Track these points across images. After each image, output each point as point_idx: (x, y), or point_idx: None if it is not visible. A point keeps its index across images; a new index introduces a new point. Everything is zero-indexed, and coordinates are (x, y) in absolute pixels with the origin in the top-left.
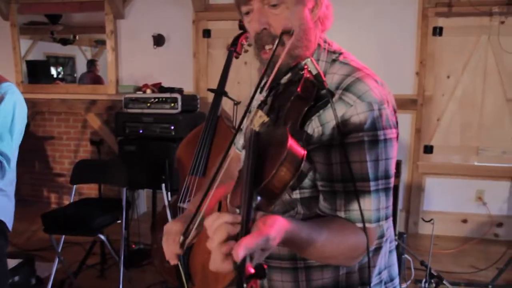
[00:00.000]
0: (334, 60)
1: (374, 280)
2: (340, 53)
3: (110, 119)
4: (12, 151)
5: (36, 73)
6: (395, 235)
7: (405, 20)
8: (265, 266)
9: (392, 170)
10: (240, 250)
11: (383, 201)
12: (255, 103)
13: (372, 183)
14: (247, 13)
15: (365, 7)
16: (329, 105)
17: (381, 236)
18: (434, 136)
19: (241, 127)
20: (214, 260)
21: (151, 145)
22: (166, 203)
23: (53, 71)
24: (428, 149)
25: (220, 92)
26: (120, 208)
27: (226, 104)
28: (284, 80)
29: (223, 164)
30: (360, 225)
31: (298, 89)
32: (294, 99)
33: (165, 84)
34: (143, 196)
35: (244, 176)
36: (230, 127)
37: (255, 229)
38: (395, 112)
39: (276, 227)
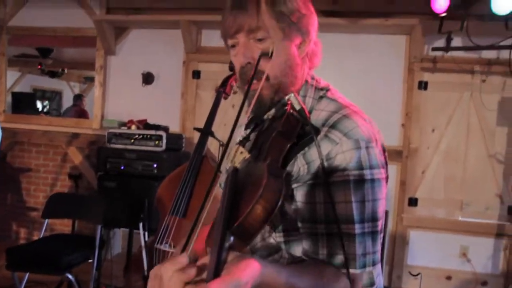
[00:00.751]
0: (321, 97)
1: None
2: (328, 90)
3: (91, 154)
4: None
5: (21, 105)
6: None
7: (392, 74)
8: None
9: (380, 212)
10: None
11: (369, 245)
12: (237, 139)
13: (357, 226)
14: (233, 46)
15: (353, 60)
16: (313, 143)
17: (371, 285)
18: (418, 188)
19: (222, 165)
20: None
21: (132, 182)
22: (143, 243)
23: (39, 104)
24: (413, 202)
25: (206, 131)
26: (93, 247)
27: (211, 145)
28: (268, 115)
29: (206, 204)
30: (344, 270)
31: (280, 126)
32: (276, 135)
33: (151, 122)
34: (118, 236)
35: (219, 215)
36: (215, 167)
37: (225, 272)
38: (384, 151)
39: (248, 271)
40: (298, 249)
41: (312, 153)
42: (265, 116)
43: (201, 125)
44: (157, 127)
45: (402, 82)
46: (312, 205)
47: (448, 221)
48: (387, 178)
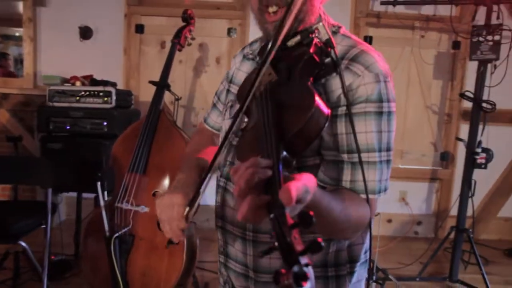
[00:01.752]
0: (334, 32)
1: (362, 258)
2: (339, 27)
3: (25, 116)
4: None
5: None
6: None
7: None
8: (311, 213)
9: (393, 143)
10: (293, 190)
11: (385, 172)
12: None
13: (377, 154)
14: None
15: None
16: (333, 73)
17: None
18: None
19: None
20: (249, 205)
21: (80, 142)
22: (102, 203)
23: None
24: None
25: (163, 85)
26: (41, 213)
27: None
28: (291, 42)
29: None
30: (364, 196)
31: (311, 50)
32: (308, 59)
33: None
34: (62, 203)
35: (264, 129)
36: (172, 121)
37: (289, 179)
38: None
39: (312, 181)
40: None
41: (332, 83)
42: (289, 43)
43: (145, 83)
44: (105, 83)
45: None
46: (334, 136)
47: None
48: None
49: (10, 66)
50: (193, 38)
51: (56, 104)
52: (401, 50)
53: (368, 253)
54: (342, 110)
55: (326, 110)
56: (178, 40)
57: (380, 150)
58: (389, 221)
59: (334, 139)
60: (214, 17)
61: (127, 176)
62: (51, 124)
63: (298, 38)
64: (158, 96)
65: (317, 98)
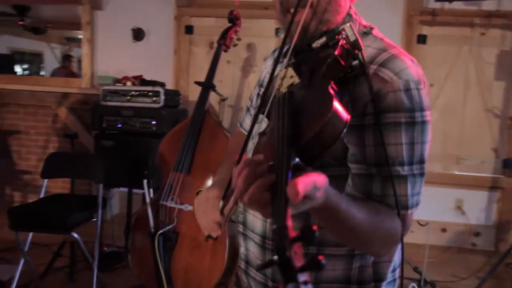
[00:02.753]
0: (366, 33)
1: (389, 277)
2: (372, 28)
3: (83, 114)
4: None
5: None
6: None
7: (389, 26)
8: (315, 227)
9: (427, 154)
10: (300, 185)
11: (417, 186)
12: (277, 70)
13: (407, 168)
14: None
15: None
16: (361, 78)
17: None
18: None
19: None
20: (251, 191)
21: (130, 140)
22: (148, 200)
23: (18, 68)
24: None
25: (208, 85)
26: (94, 206)
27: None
28: (317, 44)
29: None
30: (396, 211)
31: (336, 53)
32: (332, 62)
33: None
34: (116, 197)
35: (278, 134)
36: (217, 122)
37: (298, 175)
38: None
39: (322, 179)
40: (332, 185)
41: (359, 89)
42: (315, 45)
43: (194, 82)
44: (154, 83)
45: (400, 36)
46: (362, 147)
47: (444, 175)
48: None
49: (73, 67)
50: (239, 39)
51: (108, 103)
52: (458, 49)
53: (397, 272)
54: (369, 119)
55: (345, 115)
56: (224, 41)
57: (411, 163)
58: (444, 230)
59: (362, 151)
60: (262, 17)
61: (172, 175)
62: (104, 122)
63: (323, 39)
64: (203, 97)
65: (335, 103)
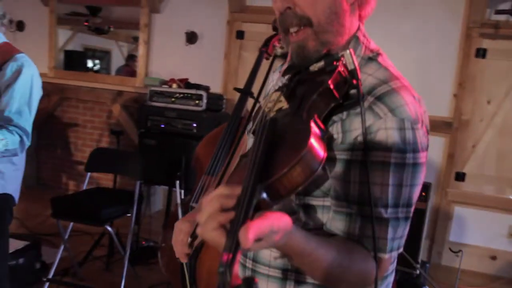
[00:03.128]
0: (371, 59)
1: None
2: (379, 53)
3: (135, 111)
4: (31, 125)
5: (72, 63)
6: (417, 263)
7: (446, 39)
8: (256, 281)
9: (415, 198)
10: (251, 231)
11: (400, 230)
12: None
13: (391, 210)
14: None
15: (404, 22)
16: (356, 109)
17: (390, 262)
18: (467, 163)
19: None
20: (205, 226)
21: (172, 140)
22: (178, 201)
23: (90, 63)
24: (460, 176)
25: (246, 92)
26: (132, 202)
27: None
28: (314, 67)
29: (234, 155)
30: (373, 253)
31: (330, 82)
32: (323, 91)
33: (194, 82)
34: (159, 193)
35: (250, 164)
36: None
37: (258, 215)
38: (427, 133)
39: (282, 222)
40: (317, 217)
41: (351, 122)
42: (312, 68)
43: (242, 86)
44: (197, 87)
45: (458, 49)
46: (346, 183)
47: (498, 199)
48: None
49: (136, 67)
50: (282, 47)
51: (154, 103)
52: None
53: None
54: (357, 155)
55: (321, 153)
56: (266, 49)
57: (396, 206)
58: (493, 258)
59: (345, 187)
60: None
61: (204, 178)
62: (149, 122)
63: (321, 63)
64: (240, 103)
65: (312, 140)
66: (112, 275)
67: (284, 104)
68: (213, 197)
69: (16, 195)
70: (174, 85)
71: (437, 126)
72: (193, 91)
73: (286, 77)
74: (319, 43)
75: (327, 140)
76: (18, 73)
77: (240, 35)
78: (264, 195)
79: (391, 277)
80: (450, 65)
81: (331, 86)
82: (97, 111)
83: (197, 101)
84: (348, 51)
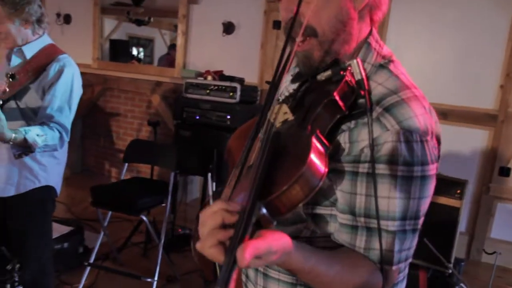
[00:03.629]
0: (382, 66)
1: None
2: (391, 60)
3: (173, 102)
4: (70, 122)
5: (117, 51)
6: (450, 262)
7: (493, 28)
8: None
9: (424, 210)
10: (248, 251)
11: (408, 242)
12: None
13: (398, 223)
14: None
15: (451, 7)
16: (364, 119)
17: (398, 273)
18: None
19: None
20: (204, 242)
21: (206, 132)
22: (210, 193)
23: (134, 51)
24: (505, 172)
25: (276, 84)
26: (164, 192)
27: None
28: (321, 77)
29: (248, 155)
30: (379, 265)
31: (335, 93)
32: (328, 103)
33: (229, 73)
34: (196, 182)
35: (252, 179)
36: None
37: (258, 235)
38: (439, 144)
39: (282, 242)
40: (325, 225)
41: (358, 132)
42: (319, 77)
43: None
44: (232, 79)
45: (506, 39)
46: (352, 195)
47: None
48: (437, 173)
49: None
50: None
51: (189, 95)
52: None
53: None
54: (364, 167)
55: (321, 170)
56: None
57: (404, 219)
58: None
59: (351, 200)
60: None
61: (234, 171)
62: (184, 113)
63: (329, 73)
64: (270, 95)
65: (310, 157)
66: (148, 262)
67: (289, 116)
68: (213, 212)
69: (58, 187)
70: (209, 77)
71: (480, 118)
72: (227, 83)
73: (294, 85)
74: (324, 52)
75: (335, 150)
76: (60, 73)
77: (277, 25)
78: (264, 211)
79: (402, 284)
80: (498, 55)
81: (337, 98)
82: (137, 101)
83: (231, 93)
84: (355, 61)
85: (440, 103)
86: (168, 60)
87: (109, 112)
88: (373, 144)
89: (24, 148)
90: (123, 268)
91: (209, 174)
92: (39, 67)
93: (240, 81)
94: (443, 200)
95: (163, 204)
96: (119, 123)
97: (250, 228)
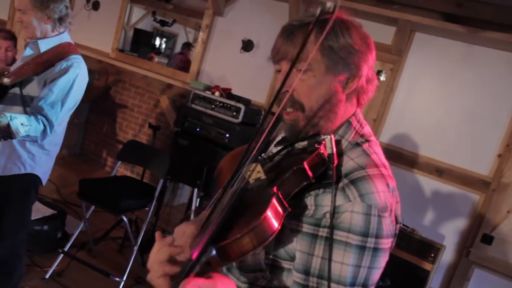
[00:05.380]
0: (357, 144)
1: None
2: (367, 140)
3: (179, 106)
4: (59, 119)
5: (140, 41)
6: None
7: (502, 96)
8: None
9: (374, 279)
10: (190, 285)
11: None
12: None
13: None
14: (279, 71)
15: (463, 70)
16: (331, 188)
17: None
18: (498, 227)
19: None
20: (154, 273)
21: (203, 145)
22: (193, 207)
23: (157, 41)
24: (487, 239)
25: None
26: (149, 196)
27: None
28: (298, 145)
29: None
30: None
31: (305, 163)
32: (297, 170)
33: (239, 90)
34: (187, 187)
35: (211, 224)
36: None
37: (207, 276)
38: (397, 222)
39: (224, 285)
40: (282, 277)
41: (324, 198)
42: (297, 145)
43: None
44: (238, 99)
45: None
46: (310, 257)
47: None
48: (391, 246)
49: (190, 55)
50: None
51: (194, 106)
52: None
53: None
54: (324, 231)
55: (273, 227)
56: None
57: (352, 285)
58: None
59: (308, 260)
60: None
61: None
62: (186, 123)
63: (305, 143)
64: (273, 126)
65: (266, 213)
66: (122, 259)
67: (262, 175)
68: (166, 247)
69: (44, 177)
70: (217, 93)
71: (473, 182)
72: (232, 103)
73: (276, 149)
74: (309, 125)
75: (301, 211)
76: (65, 71)
77: None
78: (214, 253)
79: None
80: (501, 124)
81: (306, 166)
82: (146, 98)
83: (234, 113)
84: (329, 137)
85: (438, 159)
86: (181, 59)
87: (118, 103)
88: (334, 212)
89: (4, 133)
90: (96, 261)
91: (195, 190)
92: (48, 62)
93: (246, 102)
94: (416, 260)
95: (146, 208)
96: (125, 115)
97: (198, 267)
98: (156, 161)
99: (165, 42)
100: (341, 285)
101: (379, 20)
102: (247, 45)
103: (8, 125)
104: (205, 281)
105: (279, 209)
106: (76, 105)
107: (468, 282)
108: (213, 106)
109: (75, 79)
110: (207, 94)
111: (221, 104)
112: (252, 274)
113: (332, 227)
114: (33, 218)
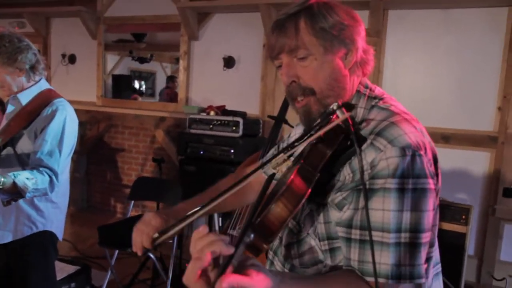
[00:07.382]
0: (373, 107)
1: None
2: (381, 98)
3: (176, 136)
4: (61, 165)
5: (120, 86)
6: (458, 287)
7: (489, 52)
8: None
9: (425, 224)
10: (225, 283)
11: (406, 257)
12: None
13: (392, 235)
14: (279, 66)
15: (445, 35)
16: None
17: None
18: None
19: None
20: (191, 271)
21: (210, 166)
22: (216, 228)
23: (136, 84)
24: (509, 192)
25: (279, 119)
26: None
27: (286, 131)
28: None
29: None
30: (371, 279)
31: (321, 132)
32: (315, 142)
33: (232, 106)
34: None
35: (247, 215)
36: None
37: (246, 272)
38: (435, 162)
39: (264, 284)
40: (340, 257)
41: (356, 161)
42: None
43: (279, 107)
44: (234, 113)
45: (501, 61)
46: (355, 211)
47: None
48: (437, 190)
49: (176, 88)
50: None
51: (193, 130)
52: None
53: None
54: (361, 185)
55: (302, 189)
56: None
57: (398, 231)
58: None
59: (353, 214)
60: None
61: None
62: (189, 149)
63: (318, 121)
64: (275, 130)
65: (292, 178)
66: None
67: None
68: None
69: (59, 232)
70: (212, 112)
71: (479, 141)
72: (229, 118)
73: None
74: (322, 106)
75: (342, 182)
76: (52, 116)
77: None
78: (252, 236)
79: None
80: (494, 77)
81: (322, 137)
82: (142, 136)
83: (233, 128)
84: (336, 104)
85: (441, 127)
86: (168, 93)
87: (114, 148)
88: (363, 168)
89: (13, 194)
90: None
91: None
92: (33, 112)
93: (242, 115)
94: (449, 226)
95: (170, 241)
96: (124, 158)
97: (235, 260)
98: (168, 192)
99: (144, 83)
100: (386, 232)
101: (351, 7)
102: (229, 62)
103: (14, 184)
104: (243, 279)
105: (306, 173)
106: (73, 149)
107: (502, 240)
108: (211, 126)
109: (65, 121)
110: (203, 115)
111: (219, 122)
112: (315, 267)
113: (370, 178)
114: (58, 278)
